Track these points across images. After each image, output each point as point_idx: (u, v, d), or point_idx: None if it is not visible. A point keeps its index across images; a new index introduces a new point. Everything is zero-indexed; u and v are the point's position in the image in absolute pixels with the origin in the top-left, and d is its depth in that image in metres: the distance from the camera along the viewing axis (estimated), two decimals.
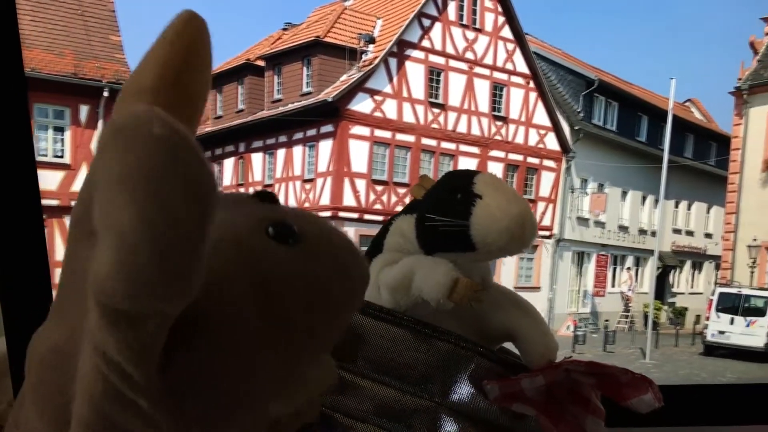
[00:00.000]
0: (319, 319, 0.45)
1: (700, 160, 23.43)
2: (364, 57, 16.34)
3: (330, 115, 16.04)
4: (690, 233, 24.03)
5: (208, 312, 0.37)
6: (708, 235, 24.43)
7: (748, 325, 15.21)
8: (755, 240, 18.45)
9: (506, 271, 18.81)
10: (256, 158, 18.14)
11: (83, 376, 0.35)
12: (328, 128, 16.26)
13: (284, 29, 18.70)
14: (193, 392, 0.37)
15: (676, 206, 23.67)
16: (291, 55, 16.73)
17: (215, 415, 0.38)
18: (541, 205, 19.62)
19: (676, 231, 23.57)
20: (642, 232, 22.38)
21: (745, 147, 19.73)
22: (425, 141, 17.38)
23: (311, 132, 16.64)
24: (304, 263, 0.44)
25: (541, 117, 19.27)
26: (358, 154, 16.23)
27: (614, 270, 21.86)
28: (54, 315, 0.43)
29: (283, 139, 17.29)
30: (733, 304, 15.59)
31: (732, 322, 15.23)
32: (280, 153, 17.52)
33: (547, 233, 19.76)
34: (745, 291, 16.19)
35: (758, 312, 15.36)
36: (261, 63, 17.86)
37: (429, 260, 0.67)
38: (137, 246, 0.29)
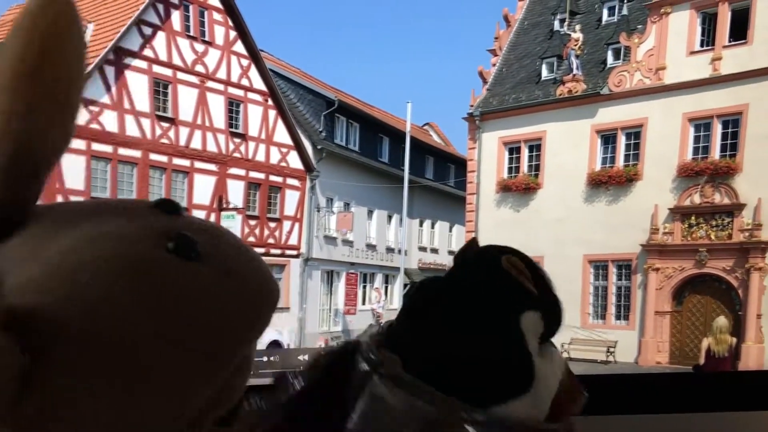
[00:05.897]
0: (220, 344, 0.41)
1: (440, 182, 24.95)
2: None
3: None
4: (435, 251, 25.32)
5: (94, 335, 0.34)
6: (452, 252, 25.92)
7: None
8: None
9: None
10: None
11: None
12: None
13: None
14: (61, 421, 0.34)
15: (421, 225, 24.87)
16: None
17: None
18: (287, 224, 19.34)
19: (422, 249, 24.72)
20: (389, 250, 23.09)
21: (480, 169, 21.22)
22: (154, 157, 16.29)
23: None
24: (207, 282, 0.40)
25: (282, 135, 19.13)
26: (73, 170, 14.65)
27: (364, 288, 22.19)
28: None
29: None
30: None
31: None
32: None
33: (294, 252, 19.49)
34: None
35: None
36: None
37: None
38: None
